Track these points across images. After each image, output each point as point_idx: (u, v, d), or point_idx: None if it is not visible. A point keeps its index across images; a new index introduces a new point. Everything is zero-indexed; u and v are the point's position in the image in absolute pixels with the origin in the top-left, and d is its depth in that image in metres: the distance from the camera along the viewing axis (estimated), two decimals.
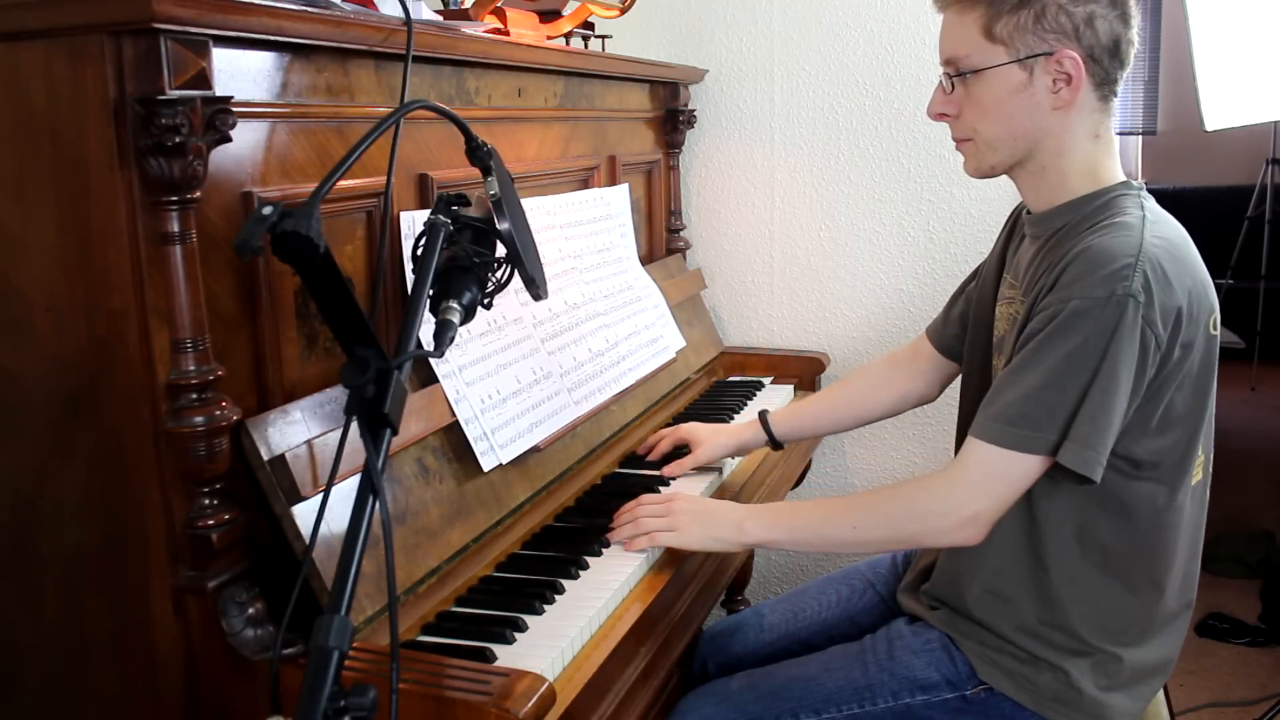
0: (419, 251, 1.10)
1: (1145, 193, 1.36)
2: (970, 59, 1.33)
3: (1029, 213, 1.43)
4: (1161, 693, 1.51)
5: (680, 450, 1.81)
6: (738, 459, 1.89)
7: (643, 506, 1.49)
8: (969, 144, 1.39)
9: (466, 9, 1.77)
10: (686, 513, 1.45)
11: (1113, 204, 1.33)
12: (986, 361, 1.51)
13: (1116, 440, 1.26)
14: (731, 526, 1.43)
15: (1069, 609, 1.34)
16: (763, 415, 1.82)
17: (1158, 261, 1.23)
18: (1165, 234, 1.28)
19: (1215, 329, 1.33)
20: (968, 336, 1.59)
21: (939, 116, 1.40)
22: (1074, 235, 1.32)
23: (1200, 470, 1.39)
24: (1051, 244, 1.35)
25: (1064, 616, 1.35)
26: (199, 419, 1.07)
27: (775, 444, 1.82)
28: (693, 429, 1.82)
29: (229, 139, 1.10)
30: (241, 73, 1.16)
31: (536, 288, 1.22)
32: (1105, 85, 1.33)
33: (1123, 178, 1.37)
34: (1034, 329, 1.27)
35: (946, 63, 1.37)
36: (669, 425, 2.03)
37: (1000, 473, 1.27)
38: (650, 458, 1.83)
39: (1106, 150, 1.37)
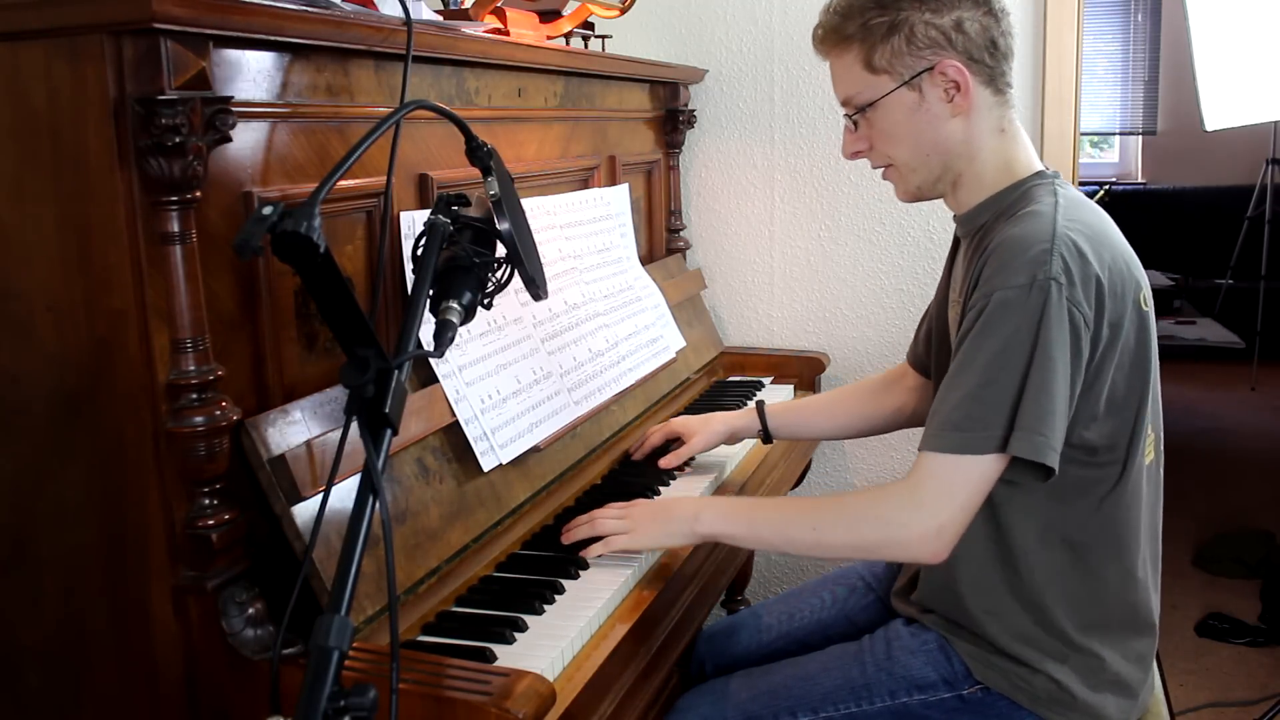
0: (419, 251, 1.10)
1: (1060, 180, 1.38)
2: (862, 94, 1.38)
3: (956, 217, 1.46)
4: (1161, 692, 1.51)
5: (667, 445, 1.80)
6: (739, 454, 1.89)
7: (602, 510, 1.47)
8: (890, 170, 1.44)
9: (466, 9, 1.77)
10: (643, 515, 1.44)
11: (1027, 194, 1.36)
12: None
13: (1070, 429, 1.26)
14: (687, 519, 1.41)
15: (1052, 608, 1.35)
16: (760, 405, 1.81)
17: (1073, 243, 1.25)
18: (1079, 216, 1.30)
19: (1146, 305, 1.35)
20: (933, 353, 1.60)
21: (854, 155, 1.45)
22: (994, 229, 1.34)
23: (1152, 449, 1.40)
24: (976, 241, 1.38)
25: (1050, 617, 1.35)
26: (199, 419, 1.07)
27: (767, 436, 1.81)
28: (683, 421, 1.82)
29: (229, 139, 1.10)
30: (241, 73, 1.16)
31: (536, 288, 1.23)
32: (996, 80, 1.36)
33: (1038, 167, 1.40)
34: (965, 328, 1.29)
35: (844, 103, 1.42)
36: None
37: (959, 480, 1.25)
38: (636, 456, 1.81)
39: (1015, 141, 1.40)
